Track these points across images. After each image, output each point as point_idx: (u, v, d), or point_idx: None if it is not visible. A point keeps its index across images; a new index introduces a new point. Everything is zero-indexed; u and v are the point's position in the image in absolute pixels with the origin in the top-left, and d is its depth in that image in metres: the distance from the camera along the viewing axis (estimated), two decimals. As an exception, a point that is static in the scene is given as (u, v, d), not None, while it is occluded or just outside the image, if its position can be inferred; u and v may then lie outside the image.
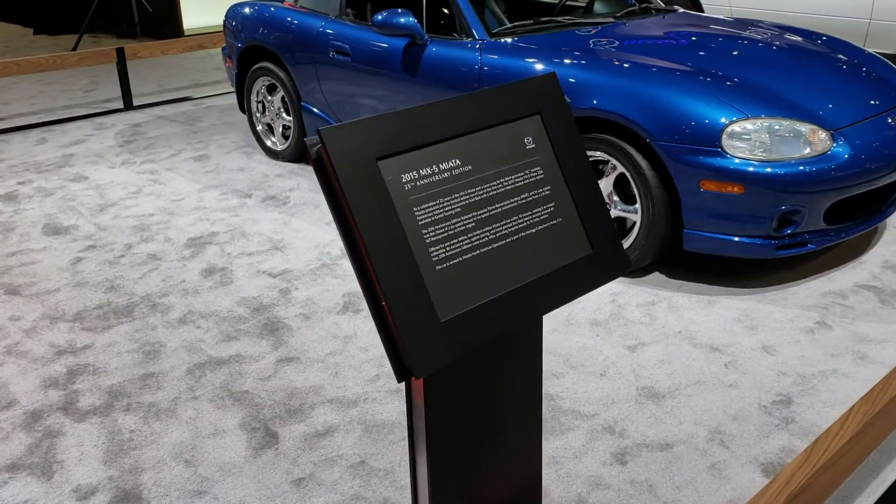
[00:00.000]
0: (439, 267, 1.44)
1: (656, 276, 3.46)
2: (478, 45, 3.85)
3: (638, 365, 2.80)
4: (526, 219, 1.55)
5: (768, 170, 3.05)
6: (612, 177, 3.41)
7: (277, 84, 4.97)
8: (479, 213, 1.51)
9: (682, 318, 3.10)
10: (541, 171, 1.52)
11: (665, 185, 3.25)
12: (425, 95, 4.03)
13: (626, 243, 3.40)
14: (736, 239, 3.18)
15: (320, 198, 4.48)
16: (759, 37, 3.95)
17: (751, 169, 3.05)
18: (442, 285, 1.44)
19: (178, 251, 3.84)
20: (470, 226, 1.48)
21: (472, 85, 3.79)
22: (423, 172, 1.44)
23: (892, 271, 3.45)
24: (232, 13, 5.35)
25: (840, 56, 3.84)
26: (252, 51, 5.14)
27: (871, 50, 6.44)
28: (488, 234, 1.51)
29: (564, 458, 2.33)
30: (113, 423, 2.54)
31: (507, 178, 1.51)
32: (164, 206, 4.41)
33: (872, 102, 3.49)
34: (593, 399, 2.60)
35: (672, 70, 3.37)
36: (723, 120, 3.11)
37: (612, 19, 4.17)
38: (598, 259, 1.64)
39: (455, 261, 1.46)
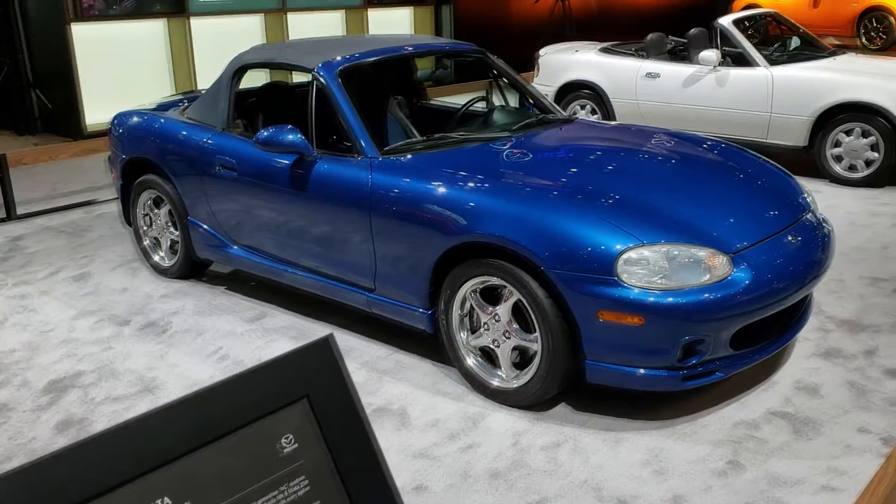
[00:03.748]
0: None
1: (561, 408, 3.21)
2: (368, 163, 3.63)
3: (538, 528, 2.52)
4: None
5: (669, 300, 2.87)
6: (510, 303, 3.18)
7: (164, 197, 4.66)
8: None
9: (588, 464, 2.84)
10: (306, 481, 1.00)
11: (564, 314, 3.04)
12: (317, 213, 3.78)
13: (528, 376, 3.16)
14: (641, 371, 2.97)
15: (205, 322, 4.13)
16: (657, 149, 3.85)
17: (650, 299, 2.87)
18: None
19: (34, 398, 3.42)
20: None
21: (364, 205, 3.55)
22: None
23: (804, 393, 3.28)
24: (118, 121, 5.04)
25: (738, 168, 3.75)
26: (137, 162, 4.82)
27: (771, 141, 6.54)
28: None
29: None
30: None
31: None
32: (28, 339, 3.99)
33: (772, 216, 3.38)
34: (486, 578, 2.30)
35: (565, 193, 3.21)
36: (618, 247, 2.94)
37: (507, 133, 4.01)
38: None
39: None
